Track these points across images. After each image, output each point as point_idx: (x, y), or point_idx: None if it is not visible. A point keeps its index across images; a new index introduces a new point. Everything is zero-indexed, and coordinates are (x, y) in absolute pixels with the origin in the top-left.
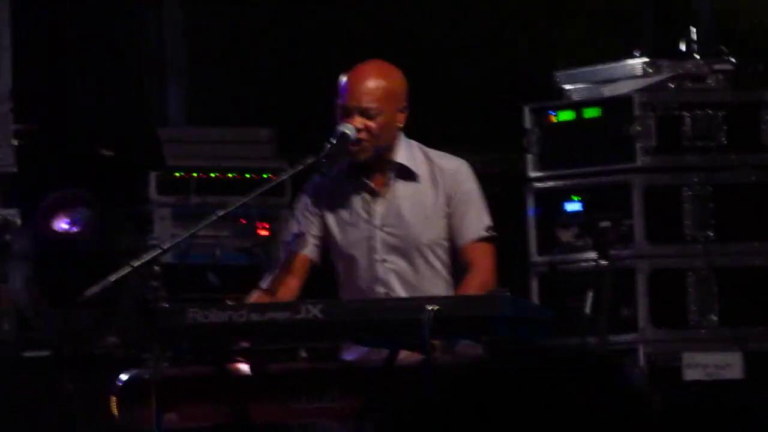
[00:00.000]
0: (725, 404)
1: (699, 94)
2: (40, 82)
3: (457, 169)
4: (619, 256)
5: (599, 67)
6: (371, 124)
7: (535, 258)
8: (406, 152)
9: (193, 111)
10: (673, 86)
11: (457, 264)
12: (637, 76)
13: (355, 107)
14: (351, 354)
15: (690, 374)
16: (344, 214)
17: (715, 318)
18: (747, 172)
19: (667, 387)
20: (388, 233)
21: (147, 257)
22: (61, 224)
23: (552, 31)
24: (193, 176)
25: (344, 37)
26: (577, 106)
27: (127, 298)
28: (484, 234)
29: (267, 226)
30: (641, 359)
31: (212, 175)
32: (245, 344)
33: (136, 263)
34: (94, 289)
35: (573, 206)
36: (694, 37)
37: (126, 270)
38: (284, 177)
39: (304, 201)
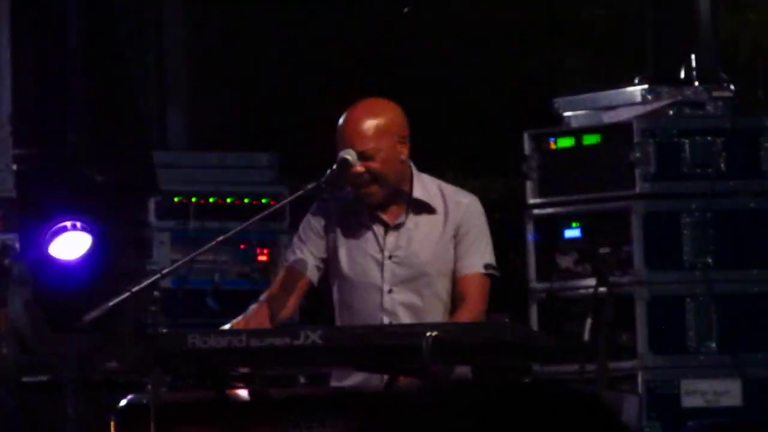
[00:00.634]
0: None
1: (698, 121)
2: (40, 107)
3: (469, 204)
4: (618, 283)
5: (599, 93)
6: (372, 165)
7: (535, 284)
8: (422, 186)
9: (194, 135)
10: (672, 113)
11: (453, 294)
12: (636, 103)
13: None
14: (350, 379)
15: (689, 401)
16: (353, 242)
17: (714, 345)
18: (746, 199)
19: (666, 414)
20: (398, 264)
21: (146, 282)
22: (61, 249)
23: (554, 59)
24: (192, 201)
25: (346, 63)
26: (577, 132)
27: (126, 322)
28: (483, 271)
29: (266, 252)
30: (640, 386)
31: (211, 200)
32: (244, 369)
33: (135, 288)
34: (93, 314)
35: (572, 233)
36: (694, 64)
37: (125, 295)
38: (284, 202)
39: (311, 221)
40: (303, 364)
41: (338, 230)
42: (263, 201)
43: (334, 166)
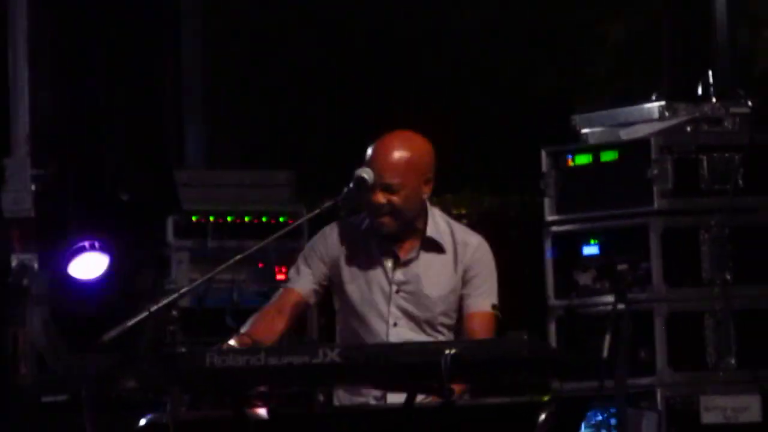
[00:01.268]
0: None
1: (716, 137)
2: (59, 126)
3: (478, 245)
4: (636, 299)
5: (616, 110)
6: (394, 198)
7: (553, 301)
8: (434, 225)
9: (212, 154)
10: (690, 129)
11: (460, 330)
12: (654, 119)
13: (377, 183)
14: (362, 397)
15: (708, 417)
16: (362, 271)
17: (733, 361)
18: (764, 215)
19: (685, 430)
20: (404, 299)
21: (164, 301)
22: (79, 269)
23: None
24: (210, 220)
25: (365, 80)
26: (595, 149)
27: (145, 342)
28: (489, 311)
29: (285, 270)
30: (659, 402)
31: (229, 218)
32: (263, 388)
33: (154, 308)
34: (112, 333)
35: (590, 249)
36: (711, 80)
37: (143, 314)
38: (301, 221)
39: (319, 242)
40: (321, 383)
41: (347, 257)
42: (281, 219)
43: (351, 185)
